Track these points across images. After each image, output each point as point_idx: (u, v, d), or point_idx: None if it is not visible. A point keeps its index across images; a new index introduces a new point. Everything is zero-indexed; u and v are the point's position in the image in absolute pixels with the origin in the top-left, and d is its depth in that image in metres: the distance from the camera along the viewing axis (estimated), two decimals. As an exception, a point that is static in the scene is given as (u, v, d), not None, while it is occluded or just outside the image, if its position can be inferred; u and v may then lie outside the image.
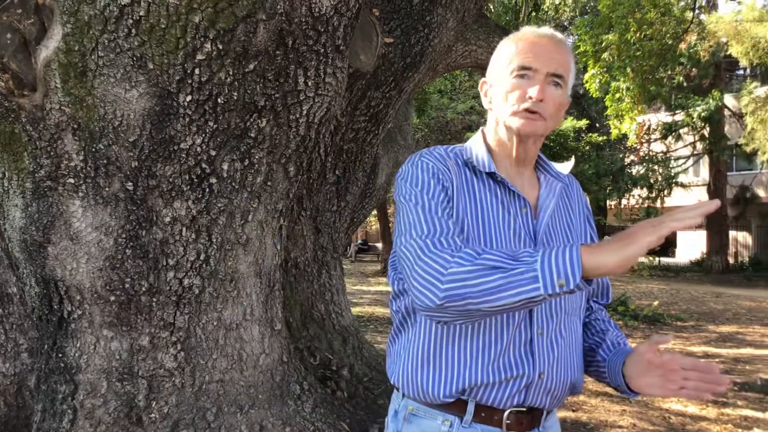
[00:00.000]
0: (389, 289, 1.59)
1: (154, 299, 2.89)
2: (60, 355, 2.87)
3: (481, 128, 1.60)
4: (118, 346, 2.86)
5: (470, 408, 1.43)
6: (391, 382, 1.56)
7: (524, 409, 1.44)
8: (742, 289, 18.41)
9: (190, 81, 2.67)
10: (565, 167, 1.63)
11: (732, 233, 26.87)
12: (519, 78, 1.44)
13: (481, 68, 6.31)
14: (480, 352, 1.41)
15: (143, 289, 2.87)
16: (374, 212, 31.45)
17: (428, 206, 1.39)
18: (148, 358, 2.89)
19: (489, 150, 1.52)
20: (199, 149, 2.80)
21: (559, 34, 1.49)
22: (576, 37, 17.47)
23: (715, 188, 24.22)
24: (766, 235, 29.05)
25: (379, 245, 26.69)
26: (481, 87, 1.57)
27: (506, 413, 1.43)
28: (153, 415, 2.87)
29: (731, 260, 25.44)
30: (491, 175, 1.49)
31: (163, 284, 2.90)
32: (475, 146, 1.54)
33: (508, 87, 1.45)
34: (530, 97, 1.42)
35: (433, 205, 1.39)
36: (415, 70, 4.26)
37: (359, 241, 32.47)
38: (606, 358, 1.55)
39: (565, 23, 24.80)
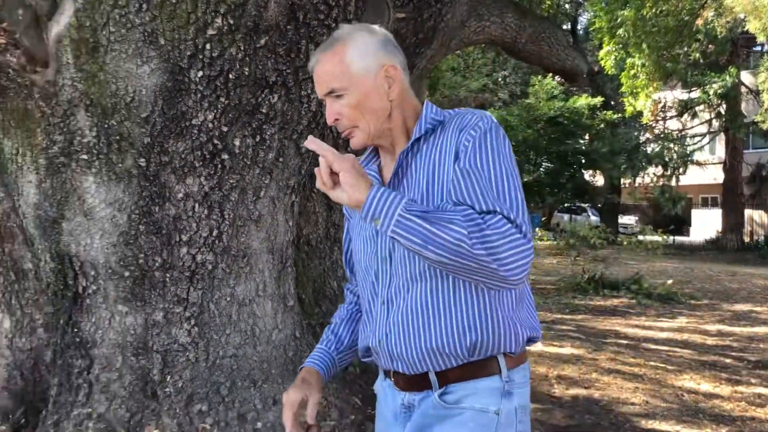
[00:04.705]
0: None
1: (168, 275, 2.91)
2: (75, 330, 2.90)
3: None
4: (132, 321, 2.89)
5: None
6: None
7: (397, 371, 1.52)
8: (757, 267, 18.28)
9: (201, 56, 2.67)
10: None
11: (747, 212, 26.66)
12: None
13: (495, 44, 6.25)
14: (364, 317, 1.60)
15: (157, 264, 2.89)
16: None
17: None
18: (162, 333, 2.92)
19: None
20: (210, 125, 2.80)
21: (325, 44, 1.49)
22: (591, 13, 17.29)
23: (730, 166, 24.00)
24: (781, 213, 28.81)
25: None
26: None
27: (390, 373, 1.54)
28: (168, 389, 2.90)
29: (746, 239, 25.23)
30: None
31: (176, 260, 2.91)
32: None
33: None
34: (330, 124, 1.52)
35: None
36: (428, 46, 4.23)
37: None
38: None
39: (580, -1, 24.48)
